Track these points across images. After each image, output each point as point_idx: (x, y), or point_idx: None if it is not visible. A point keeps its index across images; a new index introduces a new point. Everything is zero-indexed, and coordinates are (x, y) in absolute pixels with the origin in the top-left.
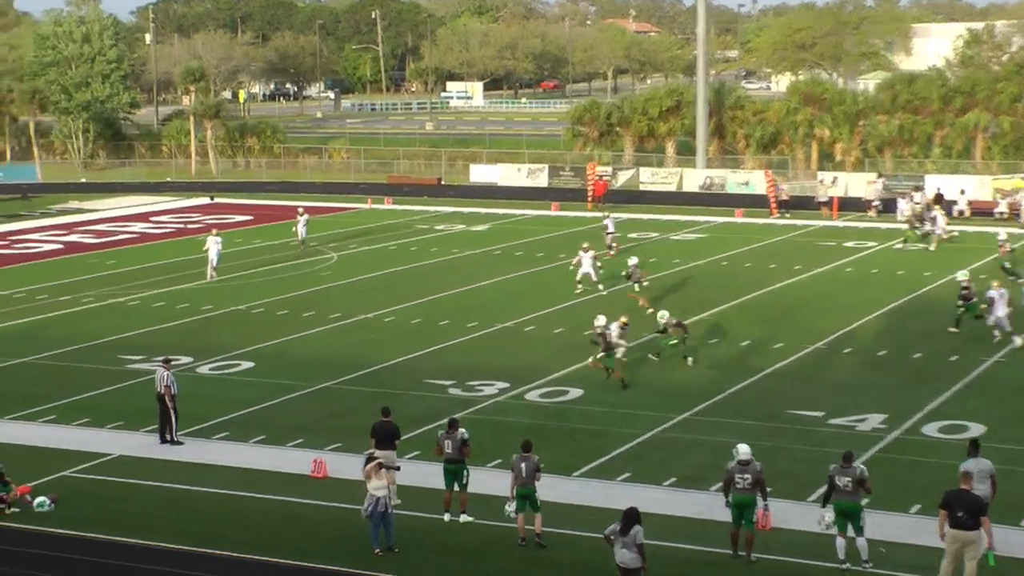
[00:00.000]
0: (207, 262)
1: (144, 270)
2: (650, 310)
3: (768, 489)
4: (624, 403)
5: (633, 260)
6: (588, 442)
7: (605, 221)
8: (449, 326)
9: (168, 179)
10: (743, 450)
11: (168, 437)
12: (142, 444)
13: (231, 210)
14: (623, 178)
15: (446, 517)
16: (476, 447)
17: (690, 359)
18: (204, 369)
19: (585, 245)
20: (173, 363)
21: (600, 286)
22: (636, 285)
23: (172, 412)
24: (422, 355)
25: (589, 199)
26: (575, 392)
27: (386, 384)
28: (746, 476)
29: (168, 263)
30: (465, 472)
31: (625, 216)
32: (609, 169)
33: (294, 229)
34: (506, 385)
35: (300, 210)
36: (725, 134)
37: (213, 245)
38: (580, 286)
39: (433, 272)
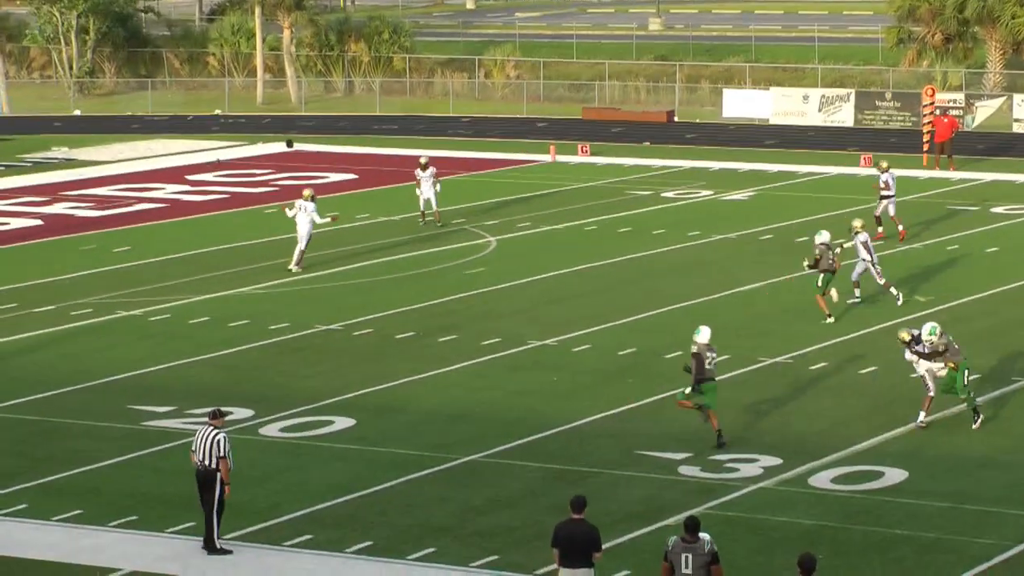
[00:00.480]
0: (295, 243)
1: (176, 263)
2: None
3: None
4: (978, 494)
5: (823, 236)
6: (914, 559)
7: (884, 177)
8: (682, 360)
9: (217, 111)
10: None
11: (214, 541)
12: (167, 554)
13: (322, 163)
14: (984, 113)
15: None
16: (729, 567)
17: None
18: (272, 430)
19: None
20: (228, 419)
21: (894, 291)
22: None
23: (220, 500)
24: (636, 409)
25: (926, 147)
26: (895, 474)
27: (575, 457)
28: None
29: (215, 251)
30: None
31: (988, 176)
32: (960, 98)
33: (417, 193)
34: (777, 462)
35: (423, 161)
36: None
37: (304, 215)
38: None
39: (659, 269)
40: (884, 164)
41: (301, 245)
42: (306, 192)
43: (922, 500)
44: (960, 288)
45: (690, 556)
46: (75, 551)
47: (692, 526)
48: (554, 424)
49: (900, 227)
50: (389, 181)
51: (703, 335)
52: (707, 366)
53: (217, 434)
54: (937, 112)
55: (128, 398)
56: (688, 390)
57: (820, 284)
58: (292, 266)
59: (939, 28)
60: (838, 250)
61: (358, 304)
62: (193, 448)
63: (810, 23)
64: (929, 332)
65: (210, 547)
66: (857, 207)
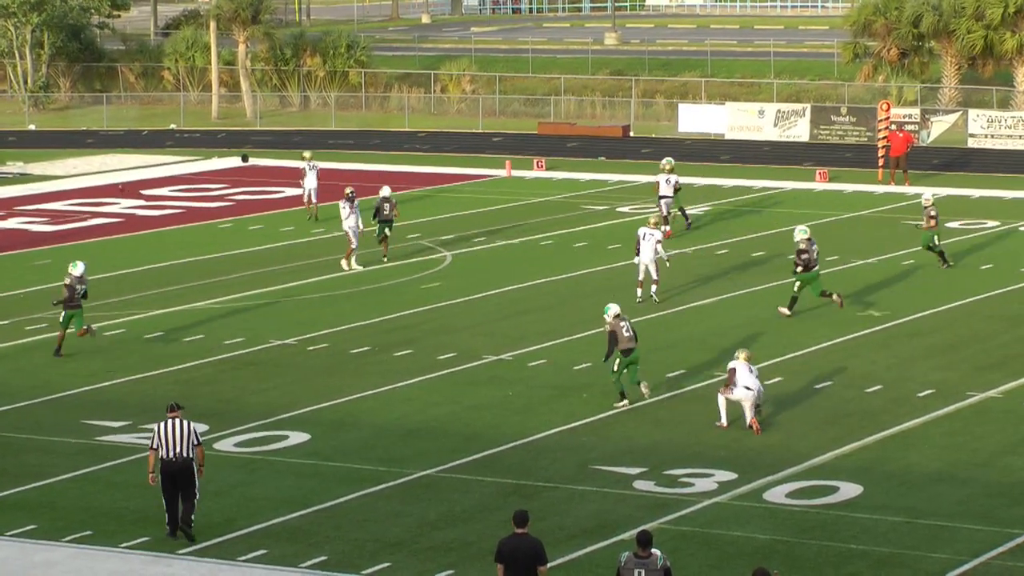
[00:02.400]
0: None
1: (130, 278)
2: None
3: None
4: (934, 509)
5: (802, 233)
6: (868, 574)
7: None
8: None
9: (173, 126)
10: None
11: (186, 525)
12: (122, 568)
13: (277, 178)
14: (939, 128)
15: None
16: None
17: None
18: (227, 445)
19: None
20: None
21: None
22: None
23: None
24: (591, 424)
25: (881, 162)
26: (850, 489)
27: (530, 472)
28: None
29: (170, 266)
30: None
31: (942, 191)
32: (915, 113)
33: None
34: (732, 476)
35: (348, 191)
36: None
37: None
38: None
39: (614, 284)
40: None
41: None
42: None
43: (876, 515)
44: (915, 303)
45: (643, 571)
46: (28, 566)
47: (645, 541)
48: (509, 439)
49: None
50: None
51: (611, 311)
52: (625, 334)
53: (188, 423)
54: (892, 127)
55: (82, 413)
56: (615, 367)
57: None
58: (352, 247)
59: (894, 43)
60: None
61: (313, 319)
62: (154, 445)
63: (766, 38)
64: (800, 232)
65: (189, 535)
66: (811, 222)
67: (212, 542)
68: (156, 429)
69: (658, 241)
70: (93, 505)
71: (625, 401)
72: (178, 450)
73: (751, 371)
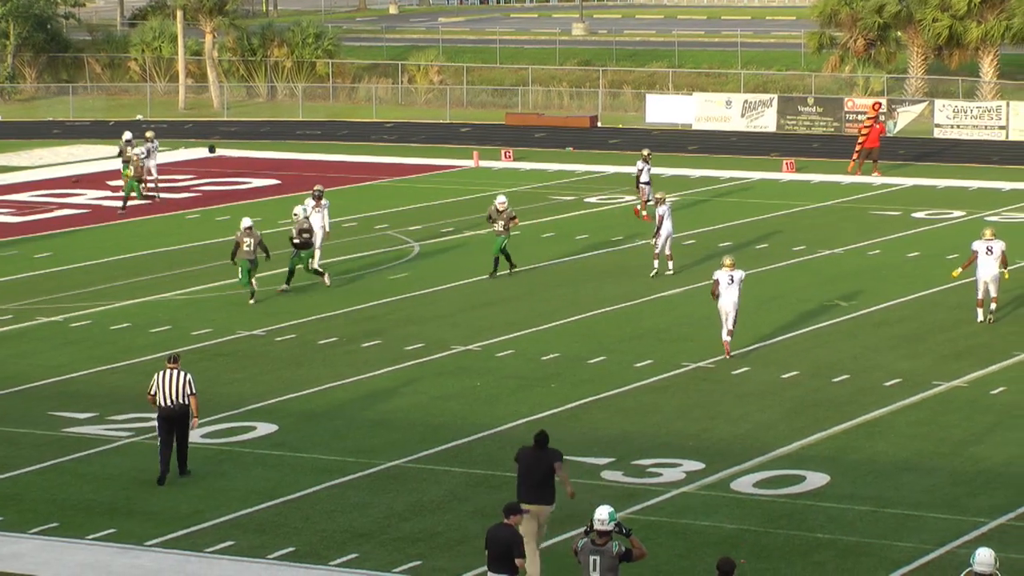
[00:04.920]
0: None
1: (97, 269)
2: None
3: None
4: (900, 499)
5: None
6: (835, 563)
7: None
8: (606, 365)
9: (139, 116)
10: (982, 558)
11: (181, 466)
12: (87, 561)
13: (244, 168)
14: (905, 119)
15: None
16: (651, 571)
17: None
18: (195, 436)
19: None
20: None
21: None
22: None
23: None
24: (558, 414)
25: (856, 154)
26: (817, 479)
27: (498, 462)
28: None
29: (137, 257)
30: None
31: (909, 182)
32: (882, 103)
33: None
34: (700, 466)
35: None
36: None
37: (310, 210)
38: None
39: (581, 275)
40: None
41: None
42: (318, 186)
43: (843, 504)
44: (882, 293)
45: (598, 559)
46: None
47: (603, 530)
48: (477, 429)
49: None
50: (312, 186)
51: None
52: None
53: (185, 374)
54: (875, 120)
55: (49, 404)
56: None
57: None
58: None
59: (860, 33)
60: None
61: (281, 310)
62: (152, 392)
63: (733, 28)
64: None
65: (183, 470)
66: (778, 212)
67: (180, 533)
68: (155, 378)
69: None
70: (60, 497)
71: None
72: (175, 398)
73: (731, 281)
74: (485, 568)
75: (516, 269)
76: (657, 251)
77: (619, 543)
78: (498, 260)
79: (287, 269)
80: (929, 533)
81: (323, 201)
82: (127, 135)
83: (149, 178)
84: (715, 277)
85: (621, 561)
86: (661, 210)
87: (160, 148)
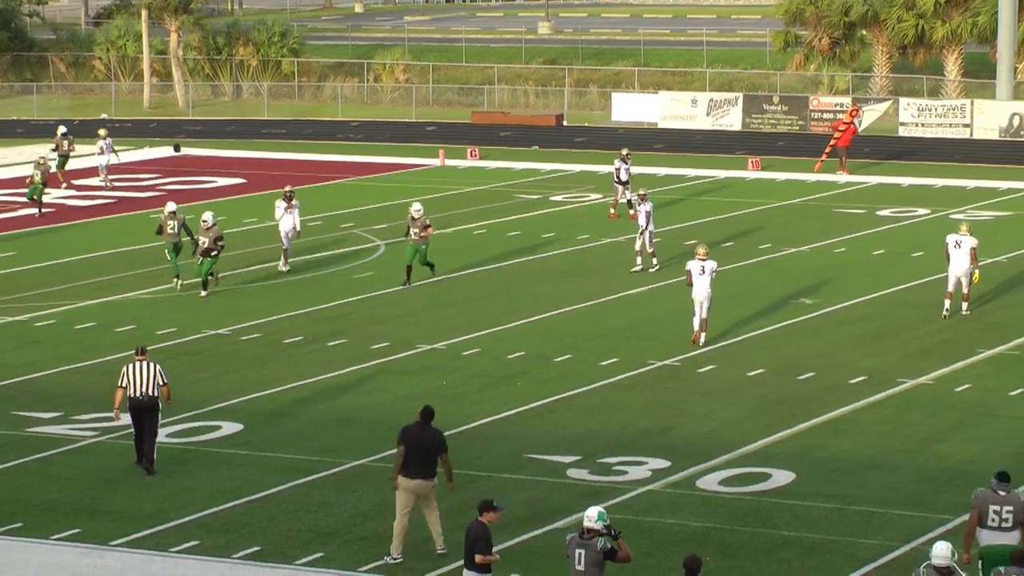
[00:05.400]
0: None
1: (62, 268)
2: None
3: None
4: (865, 496)
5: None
6: (800, 561)
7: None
8: (571, 364)
9: (104, 115)
10: (940, 551)
11: (148, 460)
12: (51, 561)
13: (210, 167)
14: (870, 117)
15: None
16: (616, 570)
17: None
18: (160, 436)
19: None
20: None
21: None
22: None
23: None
24: (525, 412)
25: (825, 154)
26: (782, 477)
27: (465, 460)
28: None
29: (102, 256)
30: None
31: (874, 180)
32: (847, 101)
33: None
34: (665, 464)
35: (287, 190)
36: None
37: (282, 211)
38: None
39: (546, 274)
40: None
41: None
42: (288, 187)
43: (808, 502)
44: (846, 291)
45: (583, 552)
46: None
47: (591, 527)
48: (442, 428)
49: None
50: (278, 185)
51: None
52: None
53: (154, 365)
54: (852, 122)
55: (13, 404)
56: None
57: None
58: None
59: (826, 32)
60: None
61: (246, 309)
62: (122, 384)
63: (698, 27)
64: None
65: (149, 465)
66: (746, 210)
67: (144, 533)
68: (124, 370)
69: (713, 271)
70: (23, 497)
71: None
72: (145, 389)
73: (703, 271)
74: (450, 567)
75: (426, 281)
76: (638, 248)
77: (606, 540)
78: (411, 268)
79: (201, 280)
80: (894, 530)
81: (294, 202)
82: (62, 129)
83: (99, 177)
84: (688, 267)
85: (606, 558)
86: (646, 207)
87: (126, 148)
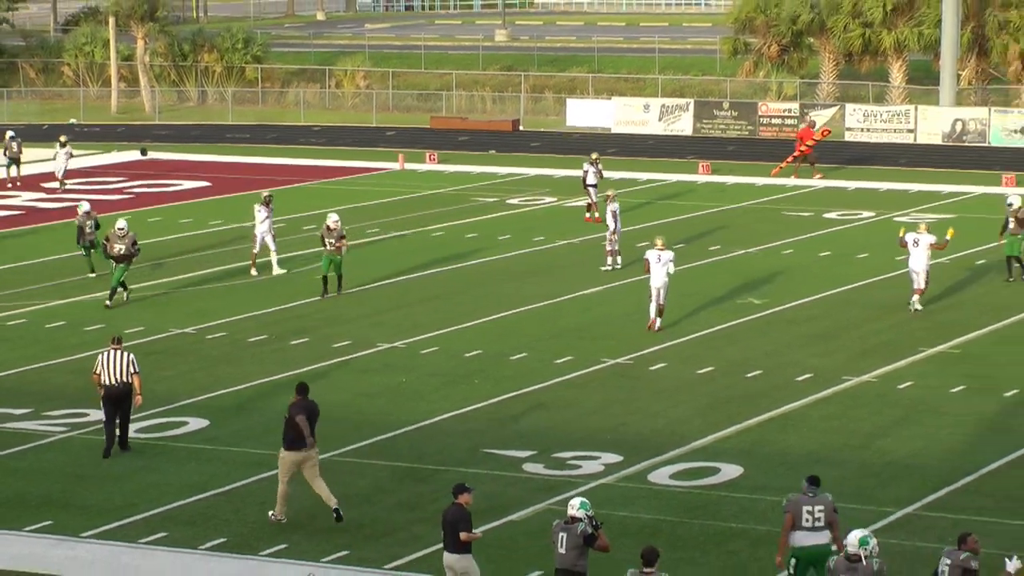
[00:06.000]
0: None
1: (31, 269)
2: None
3: None
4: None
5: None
6: (748, 552)
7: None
8: (527, 362)
9: (72, 120)
10: (854, 538)
11: (123, 443)
12: (23, 553)
13: (175, 171)
14: (818, 122)
15: None
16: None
17: None
18: (129, 431)
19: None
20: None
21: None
22: None
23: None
24: (482, 409)
25: (790, 159)
26: (731, 471)
27: (423, 455)
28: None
29: (71, 257)
30: None
31: (821, 183)
32: (795, 107)
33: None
34: (618, 459)
35: (264, 194)
36: (989, 49)
37: (260, 214)
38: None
39: (503, 274)
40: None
41: (267, 245)
42: (265, 192)
43: (756, 495)
44: (794, 291)
45: (565, 536)
46: None
47: (572, 515)
48: (402, 424)
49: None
50: (242, 188)
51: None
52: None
53: (128, 354)
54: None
55: None
56: None
57: None
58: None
59: (774, 39)
60: None
61: (211, 308)
62: (96, 371)
63: (651, 35)
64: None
65: (124, 446)
66: (697, 212)
67: (114, 525)
68: (100, 358)
69: (670, 260)
70: (4, 491)
71: None
72: (119, 376)
73: (660, 260)
74: (410, 558)
75: (341, 293)
76: (609, 247)
77: (586, 526)
78: (327, 279)
79: (112, 287)
80: (841, 523)
81: (271, 206)
82: (10, 133)
83: (55, 180)
84: (646, 256)
85: (585, 543)
86: (612, 207)
87: (94, 152)
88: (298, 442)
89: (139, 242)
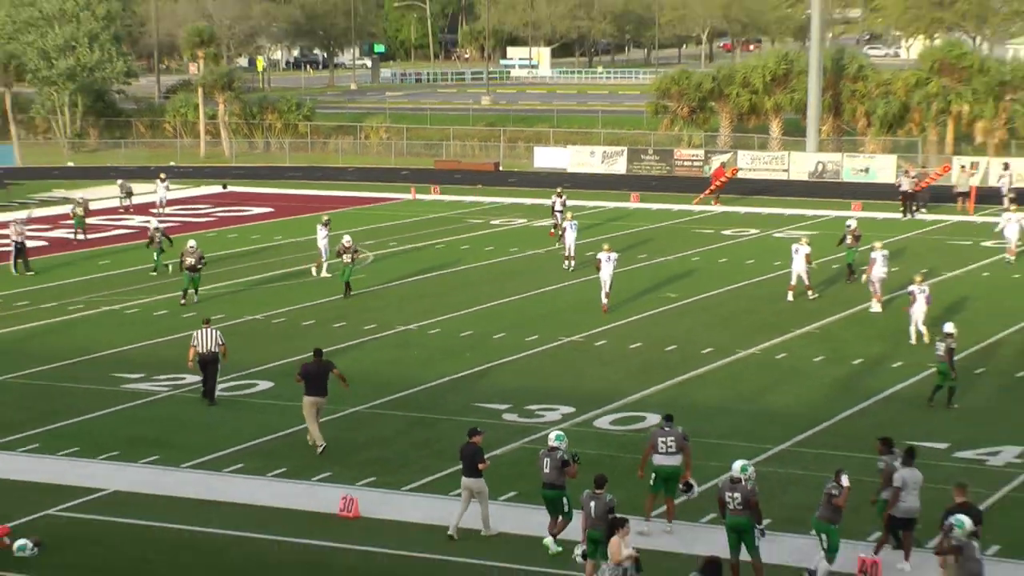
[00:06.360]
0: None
1: (141, 273)
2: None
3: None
4: (711, 431)
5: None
6: None
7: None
8: (505, 340)
9: (172, 163)
10: (736, 468)
11: (210, 396)
12: (141, 478)
13: (247, 200)
14: (717, 163)
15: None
16: (538, 482)
17: None
18: (215, 389)
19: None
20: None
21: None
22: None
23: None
24: (473, 374)
25: (708, 192)
26: (653, 418)
27: (430, 408)
28: (736, 495)
29: (173, 263)
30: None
31: (719, 209)
32: (700, 153)
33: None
34: (571, 410)
35: (324, 218)
36: (843, 111)
37: (321, 232)
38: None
39: (488, 276)
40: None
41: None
42: (324, 217)
43: None
44: (700, 288)
45: (549, 460)
46: (74, 477)
47: (552, 445)
48: (414, 385)
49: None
50: (296, 213)
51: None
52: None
53: (216, 331)
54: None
55: (110, 368)
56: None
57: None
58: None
59: (685, 103)
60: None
61: (274, 300)
62: (194, 343)
63: (595, 100)
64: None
65: (211, 399)
66: (629, 230)
67: (205, 459)
68: (195, 334)
69: (614, 265)
70: (120, 433)
71: None
72: (208, 347)
73: (608, 259)
74: (421, 482)
75: (352, 294)
76: (566, 253)
77: (564, 453)
78: (348, 284)
79: (183, 288)
80: (733, 455)
81: (328, 226)
82: (119, 180)
83: (155, 208)
84: (598, 256)
85: (562, 466)
86: (568, 224)
87: (186, 186)
88: (314, 390)
89: (220, 252)
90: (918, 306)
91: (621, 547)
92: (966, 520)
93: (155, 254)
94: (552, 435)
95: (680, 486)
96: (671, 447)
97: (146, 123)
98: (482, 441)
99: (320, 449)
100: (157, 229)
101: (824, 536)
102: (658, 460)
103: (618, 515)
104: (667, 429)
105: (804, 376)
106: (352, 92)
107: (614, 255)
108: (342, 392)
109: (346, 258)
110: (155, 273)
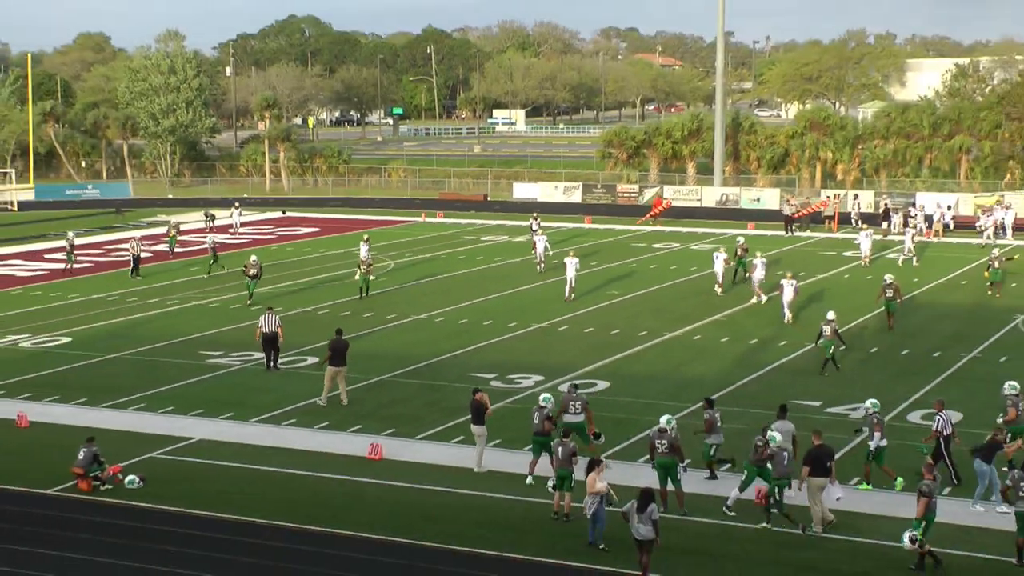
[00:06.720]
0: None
1: (218, 277)
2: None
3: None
4: (645, 393)
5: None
6: (613, 428)
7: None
8: (492, 326)
9: (245, 195)
10: (663, 420)
11: (275, 365)
12: (221, 429)
13: (300, 223)
14: (648, 194)
15: (529, 480)
16: (516, 432)
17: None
18: (277, 360)
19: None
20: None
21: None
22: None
23: (279, 348)
24: (468, 351)
25: (648, 216)
26: (602, 384)
27: (436, 376)
28: (663, 442)
29: (231, 274)
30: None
31: (651, 229)
32: (636, 188)
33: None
34: (541, 378)
35: (365, 238)
36: (740, 156)
37: (363, 248)
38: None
39: (479, 278)
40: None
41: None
42: (365, 236)
43: (616, 398)
44: (636, 287)
45: (537, 415)
46: (170, 428)
47: (541, 405)
48: (424, 359)
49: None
50: (338, 231)
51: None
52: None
53: (276, 315)
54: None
55: (199, 347)
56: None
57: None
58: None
59: (625, 150)
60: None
61: (321, 298)
62: (259, 325)
63: (558, 148)
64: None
65: (275, 368)
66: (584, 244)
67: (267, 415)
68: (260, 318)
69: (576, 268)
70: (205, 396)
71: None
72: (270, 327)
73: (572, 263)
74: (430, 432)
75: (372, 293)
76: (538, 260)
77: (548, 411)
78: (367, 288)
79: (249, 292)
80: (660, 412)
81: (368, 243)
82: (205, 209)
83: (231, 230)
84: (565, 260)
85: (547, 420)
86: (539, 238)
87: (251, 212)
88: (335, 360)
89: (280, 261)
90: (786, 295)
91: (596, 481)
92: (778, 435)
93: (210, 261)
94: (541, 397)
95: (592, 437)
96: (577, 408)
97: (226, 166)
98: (484, 398)
99: (321, 402)
100: (215, 242)
101: (746, 473)
102: (567, 419)
103: (595, 457)
104: (573, 395)
105: (713, 353)
106: (378, 143)
107: (576, 260)
108: (371, 365)
109: (363, 268)
110: (207, 276)
